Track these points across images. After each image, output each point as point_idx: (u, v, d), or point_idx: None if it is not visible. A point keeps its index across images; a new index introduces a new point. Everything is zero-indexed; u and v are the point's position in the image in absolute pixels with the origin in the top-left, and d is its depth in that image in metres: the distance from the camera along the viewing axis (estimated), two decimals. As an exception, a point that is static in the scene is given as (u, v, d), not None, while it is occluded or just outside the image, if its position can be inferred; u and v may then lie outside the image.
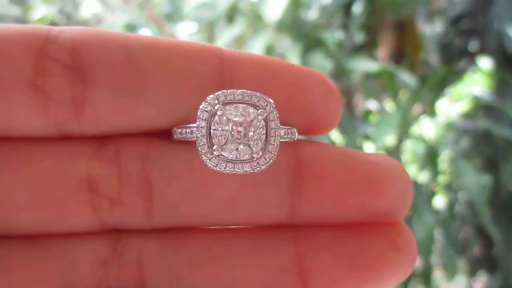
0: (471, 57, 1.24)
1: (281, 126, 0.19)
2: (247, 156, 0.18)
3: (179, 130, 0.18)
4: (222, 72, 0.18)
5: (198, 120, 0.18)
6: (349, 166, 0.19)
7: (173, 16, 1.25)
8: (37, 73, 0.17)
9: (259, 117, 0.18)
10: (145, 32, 1.17)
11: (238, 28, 1.10)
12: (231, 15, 1.15)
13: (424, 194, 0.99)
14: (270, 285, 0.19)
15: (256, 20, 1.11)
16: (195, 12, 1.19)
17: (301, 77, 0.19)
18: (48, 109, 0.17)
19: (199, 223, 0.20)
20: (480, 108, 1.17)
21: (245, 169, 0.18)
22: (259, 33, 1.09)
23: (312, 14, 1.15)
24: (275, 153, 0.18)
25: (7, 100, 0.17)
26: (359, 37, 1.19)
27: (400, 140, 1.03)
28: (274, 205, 0.19)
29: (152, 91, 0.18)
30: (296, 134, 0.19)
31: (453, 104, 1.31)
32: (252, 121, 0.18)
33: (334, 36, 1.07)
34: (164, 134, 0.19)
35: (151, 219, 0.19)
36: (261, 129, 0.18)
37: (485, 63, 1.26)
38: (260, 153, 0.18)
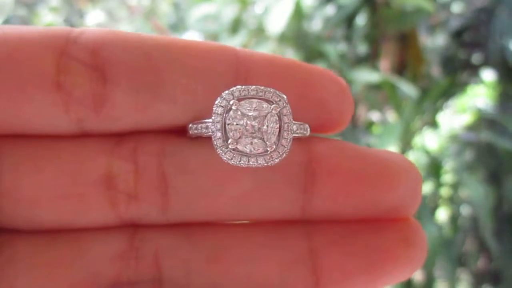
0: (474, 70, 1.24)
1: (294, 122, 0.19)
2: (261, 149, 0.19)
3: (195, 126, 0.19)
4: (237, 70, 0.19)
5: (213, 114, 0.18)
6: (361, 162, 0.19)
7: (178, 26, 1.26)
8: (59, 72, 0.18)
9: (273, 111, 0.19)
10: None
11: (241, 39, 1.11)
12: (234, 27, 1.16)
13: (427, 206, 0.98)
14: (284, 279, 0.19)
15: (259, 32, 1.11)
16: (199, 23, 1.21)
17: (314, 75, 0.20)
18: (69, 107, 0.18)
19: (214, 218, 0.20)
20: (483, 120, 1.18)
21: (259, 162, 0.19)
22: (261, 44, 1.10)
23: (315, 26, 1.16)
24: (288, 147, 0.19)
25: (33, 98, 0.18)
26: (362, 49, 1.20)
27: (403, 151, 1.03)
28: (286, 201, 0.19)
29: (169, 89, 0.18)
30: (308, 130, 0.19)
31: (456, 116, 1.31)
32: (266, 115, 0.19)
33: (336, 48, 1.08)
34: (180, 131, 0.19)
35: (167, 214, 0.19)
36: (275, 123, 0.19)
37: (488, 75, 1.27)
38: (274, 146, 0.19)
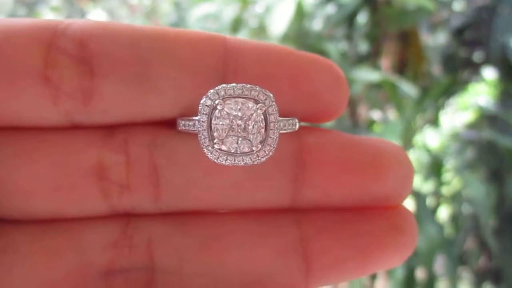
0: (475, 68, 1.24)
1: (281, 118, 0.19)
2: (246, 149, 0.19)
3: (183, 122, 0.19)
4: (225, 61, 0.19)
5: (199, 114, 0.18)
6: (351, 151, 0.20)
7: (179, 26, 1.26)
8: (47, 65, 0.18)
9: (258, 111, 0.19)
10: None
11: (242, 38, 1.11)
12: (235, 26, 1.16)
13: (427, 205, 0.98)
14: (275, 266, 0.20)
15: (260, 31, 1.12)
16: (200, 23, 1.21)
17: (306, 64, 0.19)
18: (58, 100, 0.18)
19: (205, 207, 0.20)
20: (485, 118, 1.17)
21: (245, 161, 0.19)
22: (263, 43, 1.10)
23: (316, 25, 1.16)
24: (274, 146, 0.19)
25: (21, 92, 0.18)
26: (363, 48, 1.20)
27: (404, 150, 1.03)
28: (277, 191, 0.20)
29: (157, 81, 0.18)
30: (297, 124, 0.19)
31: (458, 114, 1.31)
32: (251, 115, 0.19)
33: (336, 47, 1.08)
34: (171, 123, 0.19)
35: (159, 204, 0.20)
36: (261, 122, 0.19)
37: (490, 73, 1.27)
38: (260, 146, 0.19)
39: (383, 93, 1.10)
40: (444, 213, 1.19)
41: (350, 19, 1.14)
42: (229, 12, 1.16)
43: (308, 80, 0.19)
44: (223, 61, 0.19)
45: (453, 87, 1.07)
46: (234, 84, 0.18)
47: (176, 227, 0.20)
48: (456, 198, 1.13)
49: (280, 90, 0.19)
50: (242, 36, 1.11)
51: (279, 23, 1.00)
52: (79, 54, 0.18)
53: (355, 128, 1.10)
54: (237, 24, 1.16)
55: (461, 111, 1.31)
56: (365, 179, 0.19)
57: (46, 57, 0.18)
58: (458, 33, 1.22)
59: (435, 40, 1.28)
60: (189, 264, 0.19)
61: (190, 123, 0.19)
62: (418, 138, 1.08)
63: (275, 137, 0.19)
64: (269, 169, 0.19)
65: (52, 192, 0.19)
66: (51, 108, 0.18)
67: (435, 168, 1.06)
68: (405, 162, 0.20)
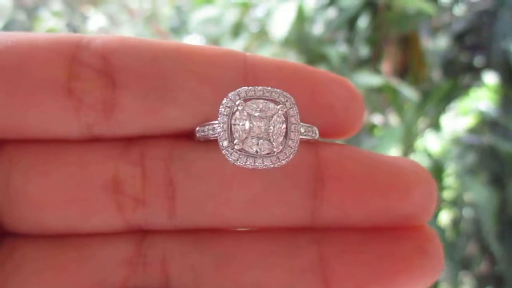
0: (476, 72, 1.24)
1: (302, 123, 0.19)
2: (267, 150, 0.18)
3: (201, 128, 0.19)
4: (245, 76, 0.19)
5: (220, 115, 0.18)
6: (371, 169, 0.19)
7: (180, 30, 1.26)
8: (70, 78, 0.18)
9: (279, 112, 0.18)
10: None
11: (243, 42, 1.11)
12: (236, 30, 1.16)
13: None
14: (292, 286, 0.19)
15: (261, 35, 1.12)
16: (201, 27, 1.21)
17: (323, 80, 0.19)
18: (80, 112, 0.18)
19: (222, 224, 0.19)
20: (486, 123, 1.17)
21: (266, 163, 0.18)
22: (263, 47, 1.10)
23: (317, 29, 1.16)
24: (296, 148, 0.18)
25: (43, 103, 0.18)
26: (363, 51, 1.20)
27: (405, 154, 1.03)
28: (295, 207, 0.19)
29: (177, 93, 0.18)
30: (317, 132, 0.19)
31: (459, 119, 1.31)
32: (272, 116, 0.18)
33: (337, 51, 1.08)
34: (189, 136, 0.19)
35: (174, 220, 0.19)
36: (281, 124, 0.18)
37: (491, 78, 1.27)
38: (280, 147, 0.18)
39: (384, 97, 1.10)
40: (445, 217, 1.19)
41: (350, 23, 1.14)
42: (230, 16, 1.16)
43: (324, 95, 0.19)
44: (243, 75, 0.19)
45: (454, 92, 1.07)
46: (255, 86, 0.18)
47: (192, 244, 0.19)
48: (457, 203, 1.12)
49: (297, 104, 0.19)
50: (243, 40, 1.11)
51: (280, 27, 1.00)
52: (101, 68, 0.18)
53: (357, 132, 1.10)
54: (237, 28, 1.16)
55: (462, 115, 1.31)
56: (388, 198, 0.19)
57: (69, 70, 0.18)
58: (459, 38, 1.22)
59: (436, 45, 1.28)
60: (205, 283, 0.19)
61: (209, 128, 0.18)
62: (419, 143, 1.08)
63: (296, 139, 0.18)
64: (287, 183, 0.19)
65: (65, 205, 0.19)
66: (72, 120, 0.18)
67: (436, 172, 1.05)
68: (428, 179, 0.19)
